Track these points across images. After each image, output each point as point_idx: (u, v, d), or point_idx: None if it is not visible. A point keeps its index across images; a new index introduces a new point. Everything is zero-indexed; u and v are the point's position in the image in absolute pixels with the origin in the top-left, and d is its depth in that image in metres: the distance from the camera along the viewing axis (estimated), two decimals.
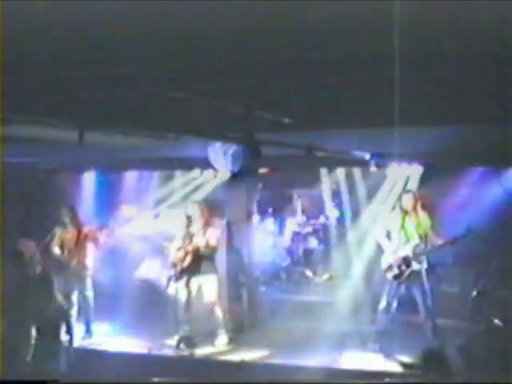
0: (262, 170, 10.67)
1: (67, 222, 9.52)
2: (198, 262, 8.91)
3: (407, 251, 8.33)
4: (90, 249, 9.51)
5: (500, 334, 7.87)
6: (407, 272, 8.31)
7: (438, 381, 5.06)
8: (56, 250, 9.47)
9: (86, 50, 4.05)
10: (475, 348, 7.56)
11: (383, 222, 9.10)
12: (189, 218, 9.04)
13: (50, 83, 4.88)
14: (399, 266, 8.34)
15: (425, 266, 8.28)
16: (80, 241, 9.43)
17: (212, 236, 8.93)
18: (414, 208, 8.40)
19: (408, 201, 8.43)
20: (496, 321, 8.30)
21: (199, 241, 8.88)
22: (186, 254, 8.88)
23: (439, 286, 9.22)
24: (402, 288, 8.44)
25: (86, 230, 9.52)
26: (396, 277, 8.38)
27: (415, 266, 8.26)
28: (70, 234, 9.49)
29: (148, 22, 3.53)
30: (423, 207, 8.49)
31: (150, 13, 3.34)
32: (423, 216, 8.44)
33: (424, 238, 8.36)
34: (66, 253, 9.45)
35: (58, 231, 9.54)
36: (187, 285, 8.95)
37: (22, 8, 3.15)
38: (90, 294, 9.45)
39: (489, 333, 8.03)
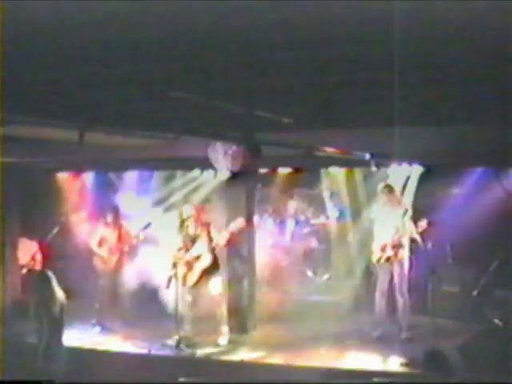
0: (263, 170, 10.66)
1: (109, 221, 9.85)
2: (198, 262, 8.92)
3: (389, 238, 8.59)
4: (128, 248, 9.84)
5: (500, 334, 7.88)
6: (386, 255, 8.61)
7: (438, 381, 5.06)
8: (96, 247, 9.78)
9: (87, 50, 4.05)
10: (475, 348, 7.55)
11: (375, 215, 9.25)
12: (187, 219, 9.05)
13: (50, 83, 4.89)
14: (382, 250, 8.64)
15: (406, 251, 8.64)
16: (121, 240, 9.78)
17: (211, 235, 8.94)
18: (399, 200, 8.92)
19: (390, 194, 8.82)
20: (496, 321, 8.31)
21: (199, 240, 8.89)
22: (186, 254, 8.90)
23: (439, 286, 9.24)
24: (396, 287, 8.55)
25: (125, 230, 9.87)
26: (378, 260, 8.71)
27: (397, 251, 8.57)
28: (111, 233, 9.80)
29: (148, 22, 3.53)
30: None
31: (150, 13, 3.34)
32: (405, 206, 8.81)
33: (404, 226, 8.62)
34: (106, 250, 9.74)
35: (99, 229, 9.90)
36: (187, 285, 8.95)
37: (22, 8, 3.16)
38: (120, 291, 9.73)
39: (489, 333, 8.03)
